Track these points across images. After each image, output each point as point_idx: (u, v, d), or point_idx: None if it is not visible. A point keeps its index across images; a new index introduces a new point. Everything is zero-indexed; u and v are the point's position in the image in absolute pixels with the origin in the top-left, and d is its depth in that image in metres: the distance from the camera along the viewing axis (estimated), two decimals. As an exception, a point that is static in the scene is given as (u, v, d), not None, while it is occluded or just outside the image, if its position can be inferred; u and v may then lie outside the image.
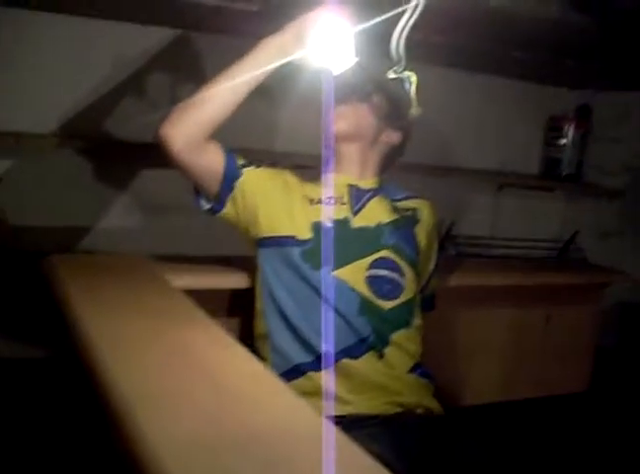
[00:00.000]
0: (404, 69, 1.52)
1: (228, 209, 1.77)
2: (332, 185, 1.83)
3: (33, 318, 2.04)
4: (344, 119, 1.81)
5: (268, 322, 1.77)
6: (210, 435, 0.97)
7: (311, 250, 1.73)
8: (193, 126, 1.66)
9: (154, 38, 2.24)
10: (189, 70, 2.26)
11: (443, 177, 2.84)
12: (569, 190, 3.28)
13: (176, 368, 1.23)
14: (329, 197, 1.80)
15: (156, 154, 1.68)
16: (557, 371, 2.68)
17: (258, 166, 1.80)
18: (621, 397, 2.75)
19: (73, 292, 1.55)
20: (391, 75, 1.53)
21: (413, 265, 1.83)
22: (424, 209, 1.94)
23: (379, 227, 1.81)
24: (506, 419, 2.45)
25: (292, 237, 1.74)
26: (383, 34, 1.47)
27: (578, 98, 3.20)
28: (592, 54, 2.47)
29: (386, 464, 1.39)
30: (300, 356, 1.70)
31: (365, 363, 1.68)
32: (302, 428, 1.07)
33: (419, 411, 1.70)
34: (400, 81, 1.54)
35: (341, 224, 1.77)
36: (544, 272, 2.63)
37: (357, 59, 1.62)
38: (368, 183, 1.87)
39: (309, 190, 1.81)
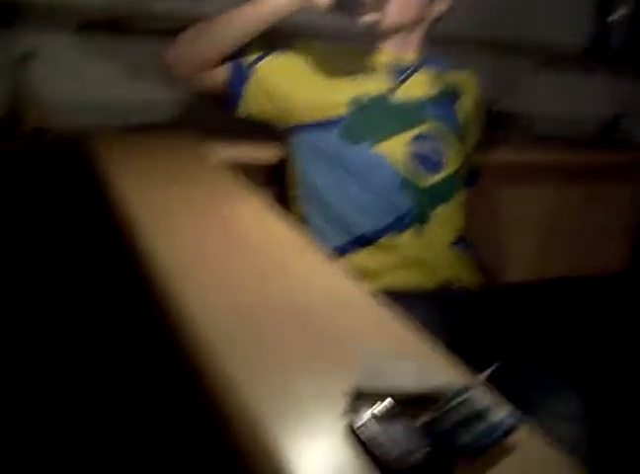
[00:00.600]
0: None
1: (249, 109, 1.75)
2: (372, 59, 1.77)
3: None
4: (401, 9, 1.71)
5: (303, 208, 1.76)
6: (251, 305, 0.97)
7: (349, 126, 1.69)
8: (198, 59, 1.68)
9: None
10: None
11: (486, 51, 2.74)
12: (617, 68, 3.15)
13: (218, 240, 1.23)
14: (369, 71, 1.74)
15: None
16: (597, 251, 2.67)
17: (278, 53, 1.74)
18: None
19: (114, 169, 1.55)
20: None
21: (456, 139, 1.79)
22: (467, 82, 1.90)
23: (421, 101, 1.76)
24: (545, 297, 2.45)
25: (329, 119, 1.70)
26: None
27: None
28: None
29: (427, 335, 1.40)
30: (338, 239, 1.69)
31: (405, 240, 1.67)
32: (344, 300, 1.07)
33: (458, 285, 1.69)
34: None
35: (381, 98, 1.72)
36: (587, 150, 2.58)
37: None
38: (410, 58, 1.80)
39: (345, 63, 1.75)
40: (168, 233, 1.20)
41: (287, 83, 1.72)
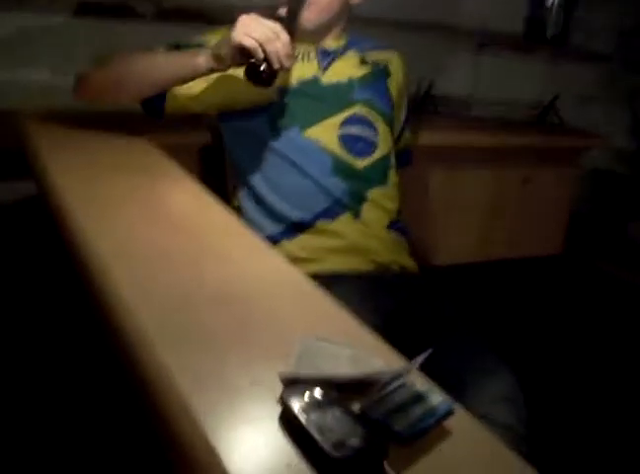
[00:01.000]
0: None
1: (173, 112, 1.68)
2: (298, 45, 1.73)
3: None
4: (317, 13, 1.66)
5: (238, 198, 1.74)
6: (185, 291, 0.95)
7: (278, 112, 1.67)
8: (109, 100, 1.69)
9: None
10: None
11: (422, 32, 2.75)
12: (552, 52, 3.20)
13: (152, 224, 1.21)
14: (295, 56, 1.70)
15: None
16: (532, 233, 2.71)
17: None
18: (591, 261, 2.79)
19: (46, 151, 1.51)
20: None
21: (387, 120, 1.78)
22: (394, 61, 1.88)
23: (350, 83, 1.74)
24: (480, 278, 2.48)
25: (258, 106, 1.67)
26: None
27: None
28: None
29: (361, 319, 1.40)
30: (272, 228, 1.67)
31: (341, 225, 1.65)
32: (280, 284, 1.06)
33: (394, 268, 1.69)
34: None
35: (309, 82, 1.70)
36: (523, 133, 2.61)
37: None
38: (336, 42, 1.77)
39: None
40: (101, 219, 1.18)
41: (210, 82, 1.65)
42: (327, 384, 0.73)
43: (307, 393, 0.71)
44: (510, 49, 3.05)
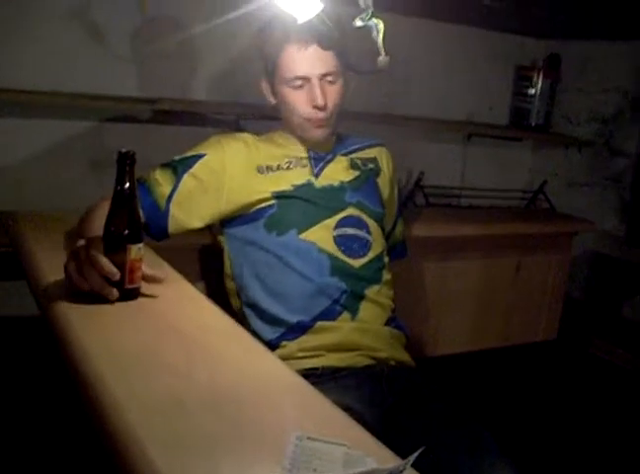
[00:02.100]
0: (371, 17, 1.48)
1: (176, 232, 1.69)
2: (290, 151, 1.78)
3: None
4: (335, 100, 1.72)
5: (237, 304, 1.77)
6: (179, 393, 0.96)
7: (275, 216, 1.70)
8: None
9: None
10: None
11: (412, 127, 2.83)
12: (538, 139, 3.28)
13: (143, 324, 1.22)
14: (288, 162, 1.76)
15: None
16: (526, 320, 2.72)
17: (189, 175, 1.67)
18: (587, 344, 2.79)
19: (36, 252, 1.53)
20: (358, 23, 1.49)
21: (378, 220, 1.82)
22: (382, 157, 1.93)
23: (342, 185, 1.78)
24: (476, 368, 2.47)
25: (255, 212, 1.71)
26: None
27: (547, 47, 3.19)
28: (559, 3, 2.46)
29: (358, 415, 1.41)
30: (271, 333, 1.68)
31: (340, 325, 1.67)
32: (272, 384, 1.07)
33: (390, 363, 1.70)
34: (367, 29, 1.50)
35: (303, 187, 1.74)
36: (513, 221, 2.65)
37: (322, 6, 1.58)
38: (327, 144, 1.83)
39: (264, 158, 1.75)
40: (93, 321, 1.19)
41: (207, 199, 1.69)
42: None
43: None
44: (496, 139, 3.13)
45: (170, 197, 1.65)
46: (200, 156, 1.70)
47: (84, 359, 1.04)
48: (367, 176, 1.85)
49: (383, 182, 1.90)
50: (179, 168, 1.68)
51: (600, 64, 3.06)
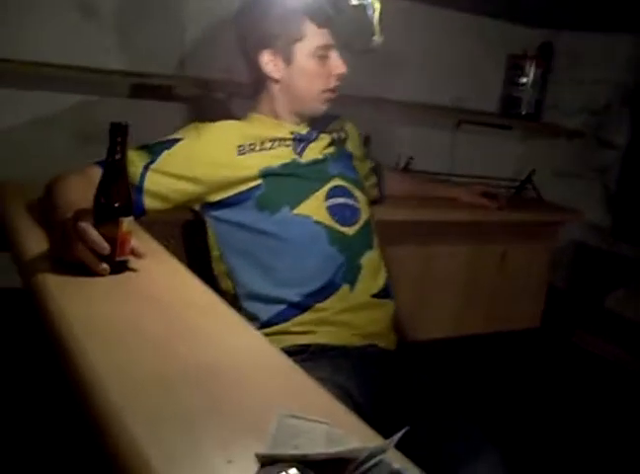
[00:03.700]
0: (368, -5, 1.48)
1: (153, 210, 1.65)
2: (274, 131, 1.79)
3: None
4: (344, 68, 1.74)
5: (229, 286, 1.75)
6: (161, 368, 0.95)
7: (265, 195, 1.70)
8: None
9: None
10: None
11: (402, 112, 2.82)
12: (527, 128, 3.28)
13: (128, 298, 1.21)
14: (271, 142, 1.76)
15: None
16: (510, 307, 2.73)
17: (168, 152, 1.65)
18: (569, 334, 2.81)
19: (23, 223, 1.51)
20: (354, 1, 1.48)
21: (360, 187, 1.86)
22: (346, 124, 1.99)
23: (325, 158, 1.81)
24: (459, 353, 2.48)
25: (242, 192, 1.70)
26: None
27: (540, 36, 3.18)
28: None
29: (348, 395, 1.42)
30: (268, 313, 1.68)
31: (336, 303, 1.68)
32: (255, 361, 1.06)
33: (380, 344, 1.72)
34: (363, 7, 1.49)
35: (289, 165, 1.75)
36: (500, 209, 2.63)
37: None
38: (305, 126, 1.83)
39: (245, 138, 1.74)
40: (77, 295, 1.17)
41: (187, 173, 1.66)
42: (303, 463, 0.73)
43: (284, 472, 0.72)
44: (486, 126, 3.12)
45: (144, 172, 1.62)
46: (177, 140, 1.68)
47: (67, 332, 1.03)
48: (342, 147, 1.91)
49: (353, 145, 1.98)
50: (155, 148, 1.66)
51: (591, 55, 3.06)
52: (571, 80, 3.14)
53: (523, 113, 3.12)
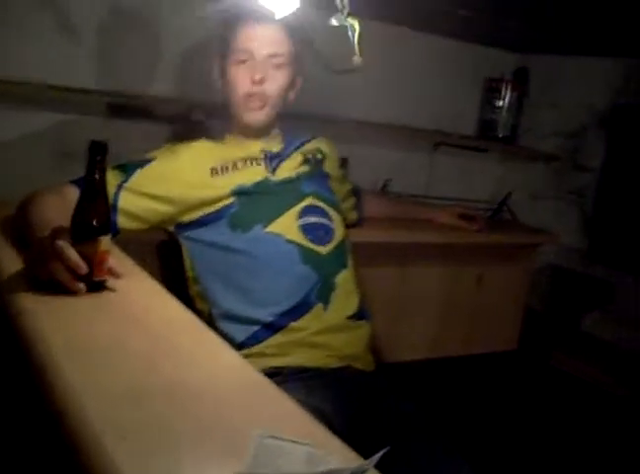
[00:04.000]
0: (347, 17, 1.48)
1: (126, 229, 1.65)
2: (245, 150, 1.80)
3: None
4: (277, 82, 1.75)
5: (205, 307, 1.75)
6: (139, 388, 0.94)
7: (237, 214, 1.70)
8: None
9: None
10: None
11: (379, 134, 2.83)
12: (504, 151, 3.30)
13: (106, 317, 1.20)
14: (243, 162, 1.77)
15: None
16: (487, 330, 2.74)
17: (140, 170, 1.67)
18: (546, 356, 2.82)
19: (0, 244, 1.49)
20: (333, 22, 1.49)
21: (335, 207, 1.86)
22: (323, 145, 1.98)
23: (298, 176, 1.82)
24: (437, 375, 2.48)
25: (214, 212, 1.71)
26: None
27: (516, 60, 3.22)
28: (532, 16, 2.48)
29: (324, 418, 1.40)
30: (243, 334, 1.67)
31: (309, 324, 1.67)
32: (235, 381, 1.06)
33: (357, 365, 1.71)
34: (342, 29, 1.50)
35: (261, 183, 1.76)
36: (478, 231, 2.64)
37: (298, 5, 1.57)
38: (277, 142, 1.86)
39: (217, 160, 1.76)
40: (54, 311, 1.17)
41: (160, 193, 1.67)
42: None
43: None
44: (463, 149, 3.14)
45: (117, 191, 1.62)
46: (150, 160, 1.70)
47: (44, 351, 1.02)
48: (318, 167, 1.90)
49: (331, 166, 1.97)
50: (129, 167, 1.66)
51: (566, 79, 3.09)
52: (546, 103, 3.17)
53: (500, 135, 3.15)
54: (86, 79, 2.18)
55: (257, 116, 1.77)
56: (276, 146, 1.84)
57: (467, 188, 3.16)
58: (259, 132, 1.82)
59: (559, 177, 3.15)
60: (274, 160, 1.81)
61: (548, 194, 3.18)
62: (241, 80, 1.73)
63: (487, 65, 3.16)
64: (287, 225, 1.71)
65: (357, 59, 1.51)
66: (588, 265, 3.00)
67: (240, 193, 1.72)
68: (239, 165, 1.76)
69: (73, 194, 1.48)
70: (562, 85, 3.11)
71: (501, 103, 3.13)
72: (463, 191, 3.11)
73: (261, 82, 1.71)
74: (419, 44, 2.88)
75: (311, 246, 1.71)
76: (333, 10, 1.48)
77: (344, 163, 2.36)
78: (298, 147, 1.89)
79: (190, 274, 1.77)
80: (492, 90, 3.16)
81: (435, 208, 2.61)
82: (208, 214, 1.71)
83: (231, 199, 1.71)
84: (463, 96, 3.16)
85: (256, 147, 1.81)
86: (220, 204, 1.71)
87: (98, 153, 1.24)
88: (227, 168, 1.75)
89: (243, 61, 1.72)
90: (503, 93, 3.12)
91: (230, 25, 1.75)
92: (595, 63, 2.94)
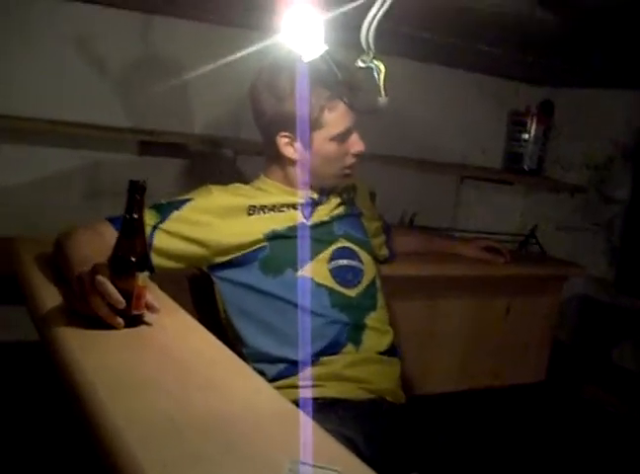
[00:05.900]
0: (372, 58, 1.51)
1: (159, 266, 1.65)
2: (282, 197, 1.80)
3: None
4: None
5: (237, 348, 1.75)
6: (175, 419, 0.97)
7: (269, 257, 1.72)
8: None
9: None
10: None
11: (406, 168, 2.86)
12: (530, 184, 3.32)
13: (143, 352, 1.23)
14: (280, 206, 1.77)
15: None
16: (516, 361, 2.73)
17: (174, 215, 1.66)
18: (576, 388, 2.80)
19: (38, 278, 1.53)
20: (360, 64, 1.52)
21: (366, 247, 1.87)
22: (356, 182, 1.97)
23: (331, 219, 1.82)
24: (465, 407, 2.48)
25: (247, 254, 1.72)
26: (352, 22, 1.47)
27: (541, 94, 3.25)
28: (556, 50, 2.51)
29: (355, 448, 1.42)
30: (273, 371, 1.69)
31: (343, 358, 1.69)
32: (267, 412, 1.08)
33: (388, 398, 1.73)
34: (369, 69, 1.53)
35: (296, 227, 1.76)
36: (505, 263, 2.66)
37: (326, 47, 1.61)
38: (318, 192, 1.84)
39: (255, 201, 1.76)
40: (91, 347, 1.20)
41: (195, 236, 1.67)
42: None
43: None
44: (489, 182, 3.17)
45: (153, 232, 1.62)
46: (187, 201, 1.70)
47: (83, 382, 1.05)
48: (351, 206, 1.91)
49: (362, 200, 1.99)
50: (165, 208, 1.67)
51: (592, 112, 3.11)
52: (572, 136, 3.20)
53: (526, 168, 3.17)
54: (116, 117, 2.25)
55: (349, 179, 1.84)
56: (315, 193, 1.82)
57: (494, 220, 3.19)
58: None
59: (586, 208, 3.16)
60: (310, 206, 1.80)
61: (575, 225, 3.18)
62: (344, 155, 1.75)
63: (512, 99, 3.20)
64: (318, 269, 1.73)
65: (382, 100, 1.55)
66: (615, 296, 3.00)
67: (273, 237, 1.72)
68: (275, 210, 1.76)
69: (109, 231, 1.53)
70: (587, 118, 3.14)
71: (527, 136, 3.16)
72: (490, 223, 3.13)
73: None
74: (444, 79, 2.93)
75: (340, 289, 1.73)
76: (360, 50, 1.51)
77: (372, 197, 2.39)
78: (335, 189, 1.87)
79: (222, 314, 1.79)
80: (518, 123, 3.20)
81: (461, 242, 2.62)
82: (241, 256, 1.72)
83: (264, 243, 1.71)
84: (489, 129, 3.20)
85: (297, 195, 1.79)
86: (253, 247, 1.71)
87: (136, 192, 1.28)
88: (264, 209, 1.75)
89: (345, 139, 1.73)
90: (528, 126, 3.16)
91: (319, 103, 1.68)
92: (618, 96, 2.96)
